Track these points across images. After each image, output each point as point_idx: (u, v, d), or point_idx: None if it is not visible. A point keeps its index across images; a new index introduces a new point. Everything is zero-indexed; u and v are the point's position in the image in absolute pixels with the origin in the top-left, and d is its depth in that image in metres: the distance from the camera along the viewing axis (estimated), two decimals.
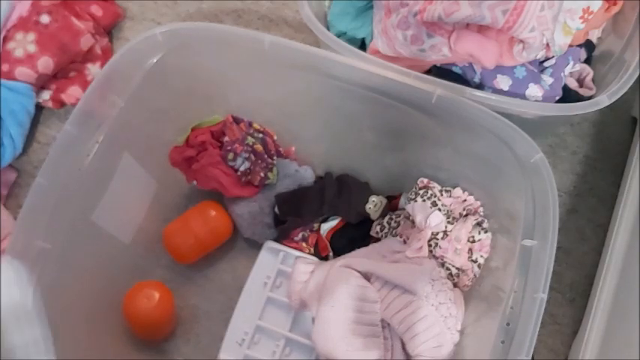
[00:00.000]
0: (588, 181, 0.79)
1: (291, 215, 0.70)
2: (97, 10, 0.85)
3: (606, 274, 0.67)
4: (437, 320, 0.59)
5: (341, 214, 0.70)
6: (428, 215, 0.63)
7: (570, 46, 0.68)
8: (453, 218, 0.65)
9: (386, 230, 0.68)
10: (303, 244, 0.70)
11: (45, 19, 0.79)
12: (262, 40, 0.61)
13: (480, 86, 0.67)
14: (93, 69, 0.83)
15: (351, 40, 0.74)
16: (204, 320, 0.70)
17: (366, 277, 0.63)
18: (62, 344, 0.55)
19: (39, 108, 0.82)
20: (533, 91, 0.66)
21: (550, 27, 0.61)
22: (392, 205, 0.71)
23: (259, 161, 0.70)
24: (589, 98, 0.65)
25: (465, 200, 0.66)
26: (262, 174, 0.70)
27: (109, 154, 0.62)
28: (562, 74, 0.67)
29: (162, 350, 0.68)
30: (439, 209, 0.64)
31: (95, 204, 0.63)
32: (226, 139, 0.69)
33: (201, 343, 0.69)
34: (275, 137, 0.73)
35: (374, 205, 0.69)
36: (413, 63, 0.66)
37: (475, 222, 0.65)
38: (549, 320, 0.71)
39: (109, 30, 0.88)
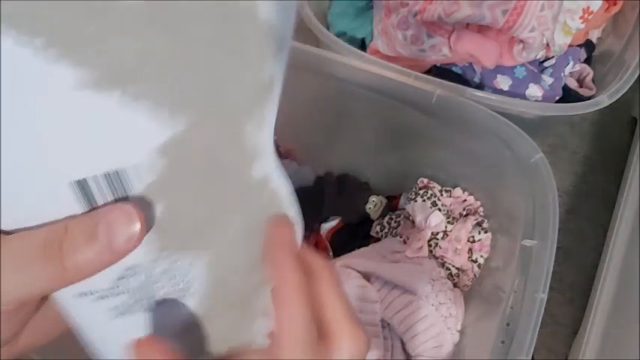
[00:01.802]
0: (588, 181, 0.79)
1: None
2: None
3: (606, 274, 0.67)
4: (437, 320, 0.59)
5: (341, 214, 0.70)
6: (428, 215, 0.63)
7: (570, 46, 0.68)
8: (453, 218, 0.65)
9: (386, 230, 0.68)
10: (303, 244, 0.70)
11: None
12: None
13: (480, 86, 0.67)
14: None
15: (351, 40, 0.74)
16: None
17: (366, 277, 0.63)
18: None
19: None
20: (533, 91, 0.66)
21: (550, 27, 0.62)
22: (392, 205, 0.71)
23: None
24: (589, 98, 0.65)
25: (465, 200, 0.66)
26: None
27: None
28: (562, 74, 0.67)
29: None
30: (439, 209, 0.64)
31: None
32: None
33: None
34: (275, 137, 0.73)
35: (374, 205, 0.69)
36: (413, 63, 0.66)
37: (475, 222, 0.65)
38: (549, 320, 0.71)
39: None
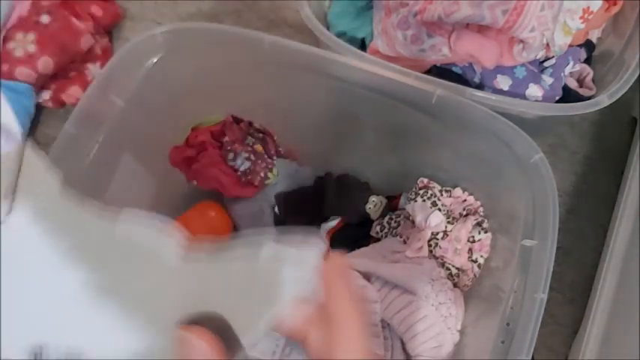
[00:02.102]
0: (588, 181, 0.79)
1: (291, 215, 0.70)
2: (97, 10, 0.85)
3: (606, 274, 0.67)
4: (437, 320, 0.59)
5: (341, 214, 0.70)
6: (428, 215, 0.63)
7: (570, 46, 0.68)
8: (453, 218, 0.65)
9: (386, 230, 0.68)
10: None
11: (45, 19, 0.79)
12: (262, 40, 0.61)
13: (480, 86, 0.67)
14: (93, 69, 0.83)
15: (351, 40, 0.74)
16: None
17: (366, 277, 0.63)
18: None
19: (39, 108, 0.82)
20: (533, 91, 0.66)
21: (550, 27, 0.62)
22: (392, 205, 0.71)
23: (259, 161, 0.70)
24: (589, 98, 0.65)
25: (465, 200, 0.66)
26: (262, 174, 0.70)
27: (109, 154, 0.62)
28: (562, 74, 0.67)
29: None
30: (439, 209, 0.64)
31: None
32: (226, 139, 0.69)
33: None
34: (275, 137, 0.73)
35: (374, 205, 0.69)
36: (413, 63, 0.66)
37: (475, 222, 0.65)
38: (549, 320, 0.71)
39: (109, 30, 0.88)
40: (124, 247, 0.25)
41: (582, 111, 0.61)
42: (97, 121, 0.60)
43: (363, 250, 0.67)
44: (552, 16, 0.61)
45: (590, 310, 0.66)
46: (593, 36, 0.74)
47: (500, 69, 0.65)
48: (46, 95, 0.80)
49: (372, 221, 0.70)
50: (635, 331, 0.56)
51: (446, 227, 0.64)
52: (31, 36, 0.78)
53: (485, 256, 0.64)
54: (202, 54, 0.65)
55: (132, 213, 0.26)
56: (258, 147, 0.70)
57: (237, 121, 0.71)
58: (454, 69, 0.67)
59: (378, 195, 0.70)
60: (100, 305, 0.24)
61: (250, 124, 0.72)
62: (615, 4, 0.69)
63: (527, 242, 0.55)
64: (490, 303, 0.59)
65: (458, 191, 0.66)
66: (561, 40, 0.66)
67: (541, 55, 0.66)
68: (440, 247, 0.63)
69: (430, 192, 0.65)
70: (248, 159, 0.69)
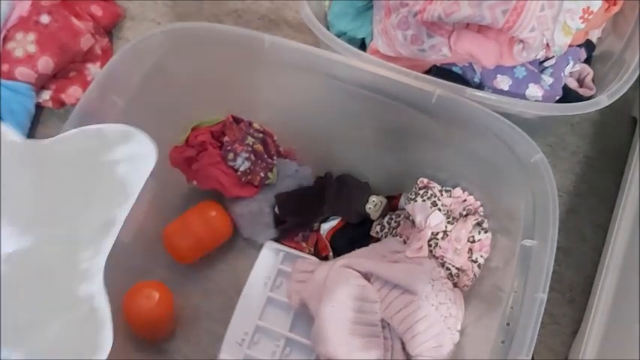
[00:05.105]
0: (588, 181, 0.79)
1: (291, 215, 0.70)
2: (97, 10, 0.85)
3: (606, 274, 0.67)
4: (437, 320, 0.59)
5: (341, 214, 0.70)
6: (428, 215, 0.63)
7: (570, 46, 0.68)
8: (453, 218, 0.65)
9: (386, 230, 0.68)
10: (303, 244, 0.71)
11: (45, 19, 0.79)
12: (262, 40, 0.61)
13: (479, 86, 0.67)
14: (93, 69, 0.83)
15: (351, 40, 0.74)
16: (204, 320, 0.70)
17: (366, 277, 0.63)
18: None
19: (39, 108, 0.82)
20: (533, 91, 0.66)
21: (550, 27, 0.62)
22: (392, 205, 0.71)
23: (259, 161, 0.70)
24: (589, 98, 0.65)
25: (465, 200, 0.66)
26: (262, 174, 0.70)
27: None
28: (562, 74, 0.67)
29: (162, 350, 0.68)
30: (439, 209, 0.64)
31: None
32: (226, 139, 0.69)
33: (201, 342, 0.69)
34: (275, 137, 0.73)
35: (374, 205, 0.69)
36: (413, 63, 0.67)
37: (475, 222, 0.65)
38: (549, 320, 0.71)
39: (109, 30, 0.88)
40: None
41: (582, 111, 0.61)
42: (97, 121, 0.60)
43: (363, 250, 0.67)
44: (552, 16, 0.61)
45: (590, 310, 0.66)
46: (593, 36, 0.74)
47: (500, 69, 0.65)
48: (46, 95, 0.81)
49: (372, 221, 0.70)
50: (635, 331, 0.56)
51: (446, 227, 0.64)
52: (31, 36, 0.78)
53: (486, 256, 0.64)
54: (202, 54, 0.65)
55: None
56: (258, 147, 0.70)
57: (237, 121, 0.71)
58: (454, 69, 0.67)
59: (378, 195, 0.70)
60: None
61: (250, 124, 0.72)
62: (615, 4, 0.69)
63: (527, 242, 0.55)
64: (490, 303, 0.60)
65: (458, 191, 0.66)
66: (561, 40, 0.66)
67: (541, 55, 0.66)
68: (440, 247, 0.63)
69: (430, 192, 0.65)
70: (248, 159, 0.69)
